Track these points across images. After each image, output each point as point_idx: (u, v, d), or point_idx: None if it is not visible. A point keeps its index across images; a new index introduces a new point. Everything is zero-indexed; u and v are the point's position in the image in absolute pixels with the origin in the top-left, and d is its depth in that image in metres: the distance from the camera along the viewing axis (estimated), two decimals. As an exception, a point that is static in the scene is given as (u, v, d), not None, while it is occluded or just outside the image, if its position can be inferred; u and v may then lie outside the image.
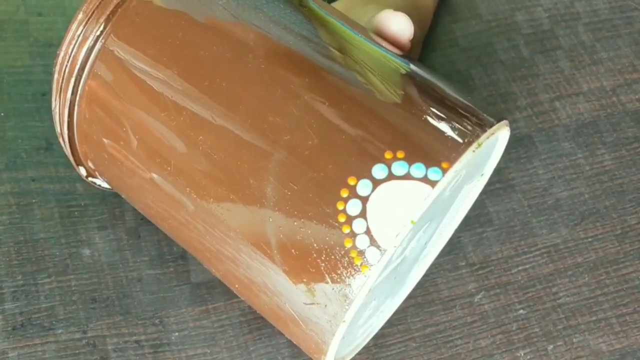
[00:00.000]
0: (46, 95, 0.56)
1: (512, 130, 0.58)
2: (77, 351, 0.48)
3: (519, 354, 0.50)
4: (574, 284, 0.53)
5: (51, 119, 0.54)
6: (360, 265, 0.36)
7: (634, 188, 0.57)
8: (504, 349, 0.51)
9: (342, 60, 0.40)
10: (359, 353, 0.49)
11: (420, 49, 0.58)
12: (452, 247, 0.53)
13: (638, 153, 0.58)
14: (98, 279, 0.50)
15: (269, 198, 0.37)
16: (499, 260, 0.53)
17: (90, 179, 0.48)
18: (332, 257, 0.36)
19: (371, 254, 0.36)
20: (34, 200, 0.52)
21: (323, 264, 0.36)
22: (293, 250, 0.37)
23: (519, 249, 0.54)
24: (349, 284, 0.36)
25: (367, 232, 0.36)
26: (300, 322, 0.39)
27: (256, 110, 0.38)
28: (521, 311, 0.52)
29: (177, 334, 0.49)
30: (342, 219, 0.36)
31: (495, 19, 0.63)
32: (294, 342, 0.42)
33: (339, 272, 0.36)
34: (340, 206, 0.36)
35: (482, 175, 0.46)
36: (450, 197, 0.43)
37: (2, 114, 0.54)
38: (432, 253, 0.50)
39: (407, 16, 0.44)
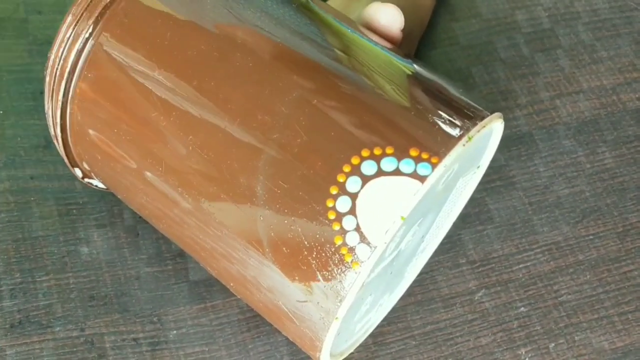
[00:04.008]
0: (45, 93, 0.54)
1: (512, 128, 0.57)
2: (74, 349, 0.46)
3: (520, 352, 0.49)
4: (576, 281, 0.52)
5: (50, 117, 0.53)
6: (351, 262, 0.34)
7: (635, 186, 0.55)
8: (504, 347, 0.49)
9: (329, 56, 0.38)
10: (358, 351, 0.47)
11: (416, 46, 0.57)
12: (453, 244, 0.52)
13: (638, 151, 0.56)
14: (96, 277, 0.48)
15: (259, 196, 0.36)
16: (499, 258, 0.52)
17: (86, 180, 0.47)
18: (323, 254, 0.35)
19: (361, 250, 0.34)
20: (32, 198, 0.50)
21: (314, 262, 0.35)
22: (284, 248, 0.35)
23: (520, 246, 0.52)
24: (340, 281, 0.34)
25: (357, 228, 0.34)
26: (295, 320, 0.37)
27: (245, 108, 0.37)
28: (522, 309, 0.50)
29: (175, 332, 0.47)
30: (332, 216, 0.34)
31: (495, 17, 0.62)
32: (291, 339, 0.41)
33: (329, 269, 0.35)
34: (329, 203, 0.34)
35: (479, 167, 0.45)
36: (445, 191, 0.42)
37: (1, 112, 0.53)
38: (430, 246, 0.48)
39: (395, 6, 0.42)
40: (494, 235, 0.52)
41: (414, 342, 0.48)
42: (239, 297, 0.43)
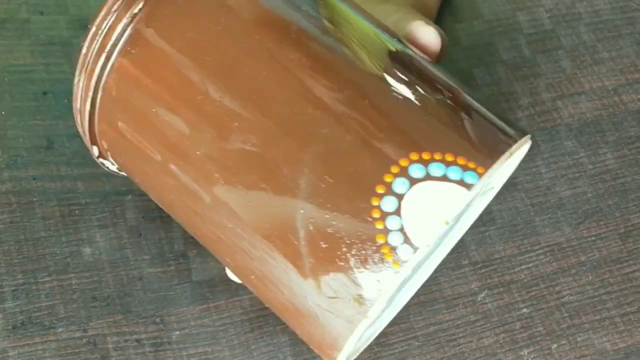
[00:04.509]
0: (47, 94, 0.54)
1: (514, 129, 0.57)
2: (77, 350, 0.46)
3: (522, 353, 0.49)
4: (578, 282, 0.51)
5: (52, 117, 0.52)
6: (392, 261, 0.34)
7: (637, 187, 0.55)
8: (507, 348, 0.49)
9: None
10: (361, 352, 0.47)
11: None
12: (455, 245, 0.52)
13: (640, 152, 0.57)
14: (99, 278, 0.48)
15: (302, 189, 0.36)
16: (502, 259, 0.52)
17: (100, 159, 0.45)
18: (363, 252, 0.35)
19: (403, 251, 0.34)
20: (34, 199, 0.50)
21: (353, 258, 0.35)
22: (322, 243, 0.35)
23: (522, 247, 0.52)
24: (378, 280, 0.35)
25: (401, 229, 0.34)
26: (319, 316, 0.37)
27: (296, 101, 0.36)
28: (525, 310, 0.50)
29: (178, 332, 0.47)
30: (376, 214, 0.35)
31: (497, 19, 0.62)
32: (305, 339, 0.40)
33: (368, 267, 0.35)
34: (375, 202, 0.35)
35: (492, 188, 0.46)
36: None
37: (3, 113, 0.53)
38: (438, 256, 0.48)
39: (436, 31, 0.44)
40: (496, 237, 0.52)
41: (416, 343, 0.48)
42: (255, 293, 0.42)
